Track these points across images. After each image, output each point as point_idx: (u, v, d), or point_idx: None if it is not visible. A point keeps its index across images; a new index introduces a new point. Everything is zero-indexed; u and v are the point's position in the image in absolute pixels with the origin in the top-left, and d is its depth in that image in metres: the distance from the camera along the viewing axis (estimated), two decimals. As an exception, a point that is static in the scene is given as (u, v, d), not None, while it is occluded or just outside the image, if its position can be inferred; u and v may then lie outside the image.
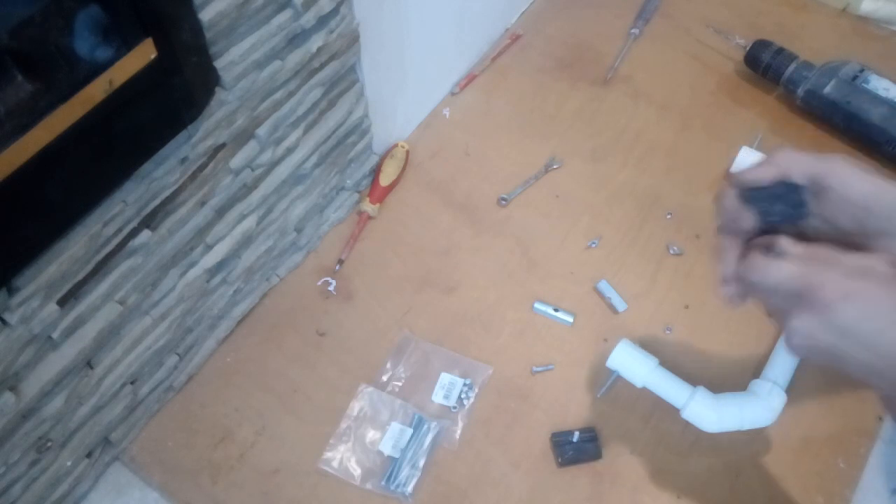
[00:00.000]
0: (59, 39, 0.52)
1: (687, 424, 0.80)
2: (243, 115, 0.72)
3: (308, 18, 0.72)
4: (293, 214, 0.88)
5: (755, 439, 0.80)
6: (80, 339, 0.67)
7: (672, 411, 0.81)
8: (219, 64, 0.66)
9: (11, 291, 0.58)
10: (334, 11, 0.76)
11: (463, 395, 0.84)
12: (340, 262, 0.94)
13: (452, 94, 1.11)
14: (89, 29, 0.53)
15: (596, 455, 0.79)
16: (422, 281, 0.93)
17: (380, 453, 0.80)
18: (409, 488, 0.78)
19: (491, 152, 1.05)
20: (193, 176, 0.70)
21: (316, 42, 0.76)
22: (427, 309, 0.90)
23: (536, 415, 0.83)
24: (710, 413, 0.78)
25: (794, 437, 0.81)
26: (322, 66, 0.79)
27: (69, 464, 0.74)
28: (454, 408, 0.83)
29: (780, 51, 1.07)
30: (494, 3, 1.13)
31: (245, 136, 0.74)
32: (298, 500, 0.78)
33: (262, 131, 0.75)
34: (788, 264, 0.46)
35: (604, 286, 0.91)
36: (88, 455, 0.77)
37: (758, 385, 0.80)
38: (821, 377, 0.84)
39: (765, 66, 1.07)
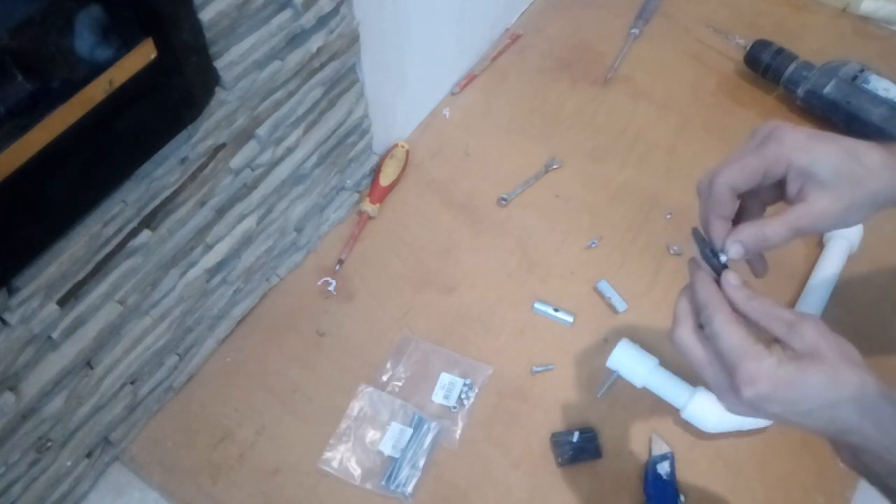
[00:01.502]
0: (59, 39, 0.52)
1: (687, 424, 0.80)
2: (243, 115, 0.72)
3: (308, 18, 0.72)
4: (293, 214, 0.88)
5: (755, 439, 0.80)
6: (80, 339, 0.67)
7: (672, 411, 0.81)
8: (219, 64, 0.66)
9: (11, 291, 0.58)
10: (334, 11, 0.76)
11: (463, 395, 0.84)
12: (340, 262, 0.94)
13: (452, 94, 1.11)
14: (89, 29, 0.53)
15: (596, 455, 0.79)
16: (422, 281, 0.93)
17: (380, 453, 0.80)
18: (409, 488, 0.78)
19: (491, 152, 1.05)
20: (193, 176, 0.70)
21: (316, 42, 0.76)
22: (427, 309, 0.90)
23: (536, 415, 0.83)
24: (710, 413, 0.78)
25: (794, 437, 0.81)
26: (322, 66, 0.79)
27: (69, 464, 0.74)
28: (454, 408, 0.83)
29: (780, 51, 1.07)
30: (494, 3, 1.13)
31: (245, 136, 0.74)
32: (298, 500, 0.78)
33: (262, 131, 0.75)
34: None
35: (604, 286, 0.91)
36: (88, 455, 0.77)
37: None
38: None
39: (765, 66, 1.07)
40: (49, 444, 0.69)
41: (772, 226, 0.53)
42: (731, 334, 0.50)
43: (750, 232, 0.54)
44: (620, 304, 0.90)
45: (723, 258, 0.54)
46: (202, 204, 0.73)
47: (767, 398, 0.49)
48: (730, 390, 0.50)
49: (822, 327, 0.50)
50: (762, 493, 0.78)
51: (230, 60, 0.66)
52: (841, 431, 0.50)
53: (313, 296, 0.92)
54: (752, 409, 0.50)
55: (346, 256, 0.94)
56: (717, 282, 0.54)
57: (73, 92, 0.53)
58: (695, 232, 0.56)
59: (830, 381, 0.48)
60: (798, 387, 0.49)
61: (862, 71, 1.01)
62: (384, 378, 0.85)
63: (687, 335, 0.53)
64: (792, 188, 0.54)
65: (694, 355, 0.52)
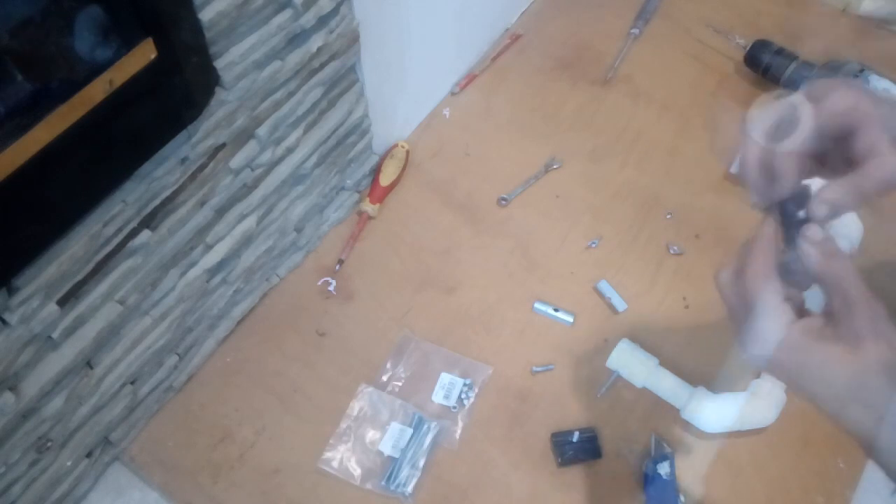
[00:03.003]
0: (59, 39, 0.52)
1: (687, 424, 0.80)
2: (243, 115, 0.72)
3: (308, 18, 0.72)
4: (293, 214, 0.88)
5: (755, 439, 0.80)
6: (80, 339, 0.67)
7: (672, 411, 0.81)
8: (219, 64, 0.66)
9: (11, 291, 0.58)
10: (334, 11, 0.76)
11: (463, 395, 0.84)
12: (340, 262, 0.94)
13: (452, 94, 1.11)
14: (89, 29, 0.53)
15: (596, 455, 0.79)
16: (422, 281, 0.93)
17: (380, 453, 0.80)
18: (409, 488, 0.78)
19: (491, 152, 1.05)
20: (193, 176, 0.70)
21: (316, 42, 0.76)
22: (427, 309, 0.90)
23: (536, 415, 0.83)
24: (709, 413, 0.78)
25: (794, 437, 0.81)
26: (322, 66, 0.79)
27: (69, 464, 0.74)
28: (454, 408, 0.83)
29: (780, 51, 1.07)
30: (494, 3, 1.13)
31: (245, 136, 0.74)
32: (298, 500, 0.78)
33: (262, 131, 0.75)
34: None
35: (604, 286, 0.91)
36: (88, 455, 0.77)
37: (758, 385, 0.80)
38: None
39: (765, 66, 1.07)
40: (49, 444, 0.69)
41: (862, 180, 0.47)
42: (759, 288, 0.48)
43: (841, 189, 0.47)
44: (620, 304, 0.90)
45: (800, 214, 0.49)
46: (202, 204, 0.73)
47: (776, 362, 0.48)
48: (743, 342, 0.49)
49: (879, 321, 0.46)
50: (762, 493, 0.78)
51: (230, 60, 0.66)
52: (847, 429, 0.47)
53: (313, 296, 0.92)
54: (764, 367, 0.49)
55: (346, 256, 0.94)
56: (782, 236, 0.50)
57: (73, 92, 0.53)
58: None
59: (853, 377, 0.45)
60: (814, 367, 0.47)
61: (862, 71, 1.01)
62: (384, 378, 0.85)
63: (725, 275, 0.51)
64: (863, 143, 0.47)
65: (725, 296, 0.51)
